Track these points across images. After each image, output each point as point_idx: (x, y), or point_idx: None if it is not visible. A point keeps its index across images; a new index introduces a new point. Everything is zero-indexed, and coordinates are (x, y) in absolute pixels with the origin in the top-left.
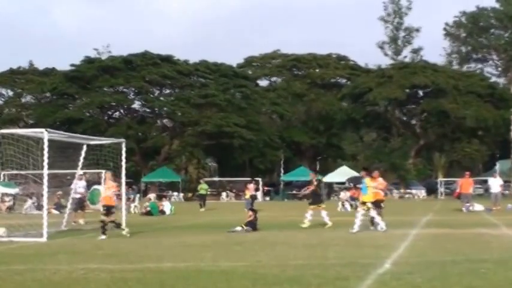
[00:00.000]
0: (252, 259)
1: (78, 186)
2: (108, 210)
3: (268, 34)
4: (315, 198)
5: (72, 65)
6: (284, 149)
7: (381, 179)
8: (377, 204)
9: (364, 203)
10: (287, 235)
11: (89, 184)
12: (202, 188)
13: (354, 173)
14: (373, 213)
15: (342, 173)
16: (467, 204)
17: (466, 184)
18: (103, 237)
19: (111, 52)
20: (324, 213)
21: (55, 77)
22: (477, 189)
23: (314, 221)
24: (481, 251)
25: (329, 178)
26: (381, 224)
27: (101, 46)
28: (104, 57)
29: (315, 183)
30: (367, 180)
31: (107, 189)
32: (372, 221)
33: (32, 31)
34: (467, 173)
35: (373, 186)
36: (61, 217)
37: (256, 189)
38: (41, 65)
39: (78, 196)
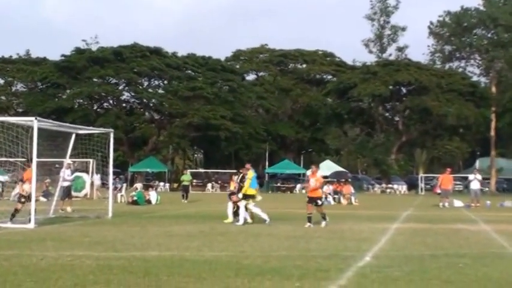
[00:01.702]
0: (235, 249)
1: (67, 175)
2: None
3: (256, 29)
4: None
5: (62, 56)
6: (269, 142)
7: (319, 175)
8: (314, 199)
9: (248, 196)
10: (271, 227)
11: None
12: (186, 179)
13: (337, 167)
14: (254, 206)
15: (326, 167)
16: (446, 199)
17: (446, 180)
18: None
19: (99, 43)
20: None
21: (46, 67)
22: (457, 185)
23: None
24: (459, 246)
25: None
26: (247, 217)
27: (89, 38)
28: (92, 48)
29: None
30: (249, 174)
31: None
32: (236, 212)
33: (24, 21)
34: (448, 169)
35: (312, 181)
36: (49, 205)
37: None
38: (32, 55)
39: (66, 184)
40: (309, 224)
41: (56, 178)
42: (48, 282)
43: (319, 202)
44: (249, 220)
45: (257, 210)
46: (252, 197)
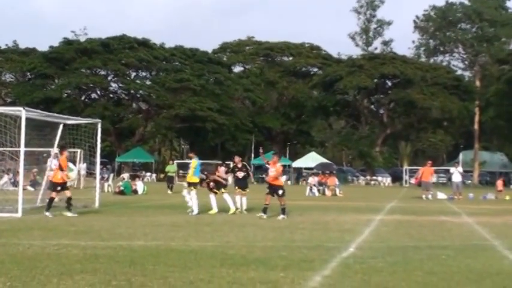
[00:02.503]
0: (221, 240)
1: (53, 164)
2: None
3: (242, 21)
4: None
5: (51, 46)
6: (255, 133)
7: (278, 165)
8: (275, 189)
9: (190, 184)
10: (256, 217)
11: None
12: (171, 169)
13: (323, 159)
14: (188, 193)
15: (311, 159)
16: (427, 192)
17: (426, 172)
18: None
19: (87, 34)
20: None
21: (34, 57)
22: (440, 178)
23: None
24: (442, 238)
25: (298, 163)
26: (230, 204)
27: (78, 29)
28: (81, 39)
29: None
30: (193, 162)
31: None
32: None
33: (13, 12)
34: (429, 161)
35: (272, 170)
36: (36, 194)
37: (227, 172)
38: (22, 45)
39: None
40: (262, 213)
41: (44, 168)
42: (35, 270)
43: (280, 192)
44: (234, 208)
45: (193, 198)
46: (195, 184)
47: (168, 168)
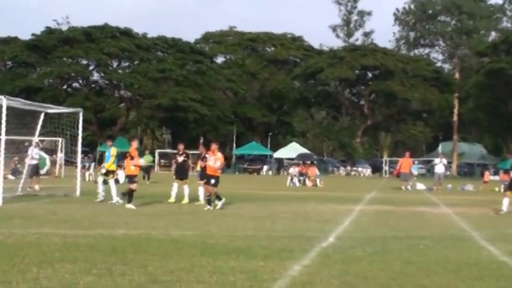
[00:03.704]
0: (202, 229)
1: (35, 153)
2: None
3: (225, 11)
4: None
5: (33, 35)
6: (237, 124)
7: (219, 154)
8: (208, 177)
9: (109, 172)
10: (237, 207)
11: (46, 152)
12: (146, 159)
13: (304, 150)
14: (102, 181)
15: (292, 150)
16: (406, 182)
17: (405, 163)
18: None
19: (69, 23)
20: None
21: (16, 46)
22: (420, 169)
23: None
24: (421, 228)
25: (279, 154)
26: (201, 197)
27: (60, 17)
28: (63, 28)
29: None
30: (113, 150)
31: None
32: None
33: None
34: (408, 153)
35: (211, 160)
36: (17, 183)
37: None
38: (3, 34)
39: (34, 162)
40: (208, 207)
41: (25, 156)
42: (15, 259)
43: (212, 181)
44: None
45: (112, 186)
46: (113, 172)
47: (143, 158)
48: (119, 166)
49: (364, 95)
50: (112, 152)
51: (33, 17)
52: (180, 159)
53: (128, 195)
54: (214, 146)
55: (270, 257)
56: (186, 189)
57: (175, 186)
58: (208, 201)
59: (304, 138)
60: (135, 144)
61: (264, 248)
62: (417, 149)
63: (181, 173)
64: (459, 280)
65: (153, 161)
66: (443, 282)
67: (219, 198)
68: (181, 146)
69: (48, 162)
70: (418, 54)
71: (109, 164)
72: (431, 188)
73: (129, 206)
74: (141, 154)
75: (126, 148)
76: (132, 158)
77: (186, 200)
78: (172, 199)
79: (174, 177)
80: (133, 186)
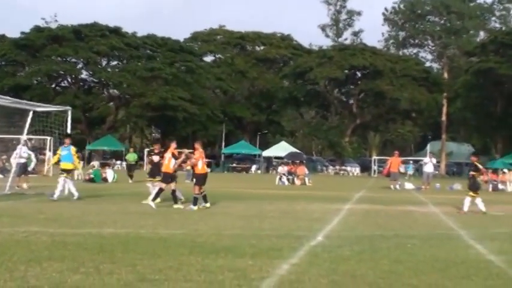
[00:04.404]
0: (190, 228)
1: (23, 152)
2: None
3: (214, 10)
4: None
5: (22, 33)
6: (226, 123)
7: (201, 151)
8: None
9: (64, 171)
10: (225, 206)
11: (34, 150)
12: (130, 158)
13: (293, 149)
14: (63, 180)
15: (281, 148)
16: (395, 182)
17: (394, 163)
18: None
19: (57, 21)
20: None
21: (4, 44)
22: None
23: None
24: (409, 227)
25: (268, 153)
26: (180, 196)
27: (49, 16)
28: (52, 26)
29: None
30: (72, 149)
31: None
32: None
33: None
34: (396, 152)
35: (194, 158)
36: (5, 181)
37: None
38: None
39: (22, 161)
40: (204, 204)
41: (13, 155)
42: (3, 257)
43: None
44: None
45: (70, 185)
46: (68, 171)
47: (128, 156)
48: (107, 165)
49: (353, 94)
50: (72, 151)
51: (22, 15)
52: (156, 158)
53: (173, 196)
54: (197, 144)
55: (259, 256)
56: (155, 189)
57: (150, 186)
58: (200, 199)
59: (293, 137)
60: (174, 144)
61: (253, 246)
62: (406, 148)
63: (155, 172)
64: (447, 279)
65: (138, 160)
66: (431, 281)
67: (195, 200)
68: (156, 146)
69: (33, 158)
70: (407, 54)
71: (65, 163)
72: (420, 187)
73: (151, 203)
74: (127, 152)
75: (115, 147)
76: (176, 158)
77: (149, 200)
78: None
79: (148, 176)
80: (163, 185)
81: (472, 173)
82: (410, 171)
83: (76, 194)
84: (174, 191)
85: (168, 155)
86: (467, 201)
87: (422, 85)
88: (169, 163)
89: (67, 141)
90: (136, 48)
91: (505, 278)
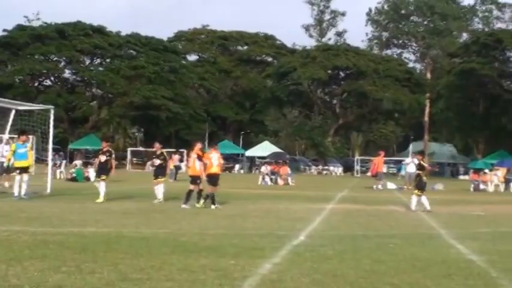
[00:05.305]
0: (173, 227)
1: (5, 150)
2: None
3: (198, 10)
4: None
5: (4, 31)
6: (209, 122)
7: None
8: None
9: (19, 169)
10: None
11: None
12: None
13: (276, 149)
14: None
15: (264, 148)
16: (380, 181)
17: (381, 163)
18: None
19: (40, 19)
20: None
21: None
22: (391, 168)
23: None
24: (390, 227)
25: (251, 152)
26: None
27: (31, 13)
28: (34, 24)
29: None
30: (28, 146)
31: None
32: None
33: None
34: (382, 152)
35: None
36: None
37: (181, 160)
38: None
39: (3, 160)
40: (215, 205)
41: None
42: None
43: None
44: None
45: (24, 184)
46: (23, 169)
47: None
48: (89, 164)
49: (336, 94)
50: (28, 148)
51: (4, 14)
52: (157, 162)
53: (187, 195)
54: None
55: (241, 255)
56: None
57: (101, 184)
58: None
59: (277, 137)
60: (199, 145)
61: (235, 246)
62: (388, 148)
63: (101, 171)
64: (428, 278)
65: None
66: (412, 281)
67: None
68: (157, 146)
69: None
70: (391, 54)
71: (29, 160)
72: (402, 187)
73: (184, 206)
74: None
75: (98, 146)
76: (200, 159)
77: (100, 199)
78: (101, 199)
79: (96, 175)
80: (192, 186)
81: (417, 171)
82: (403, 172)
83: (24, 193)
84: (190, 191)
85: (193, 156)
86: (414, 200)
87: (405, 85)
88: (194, 165)
89: (23, 138)
90: (119, 48)
91: (486, 277)
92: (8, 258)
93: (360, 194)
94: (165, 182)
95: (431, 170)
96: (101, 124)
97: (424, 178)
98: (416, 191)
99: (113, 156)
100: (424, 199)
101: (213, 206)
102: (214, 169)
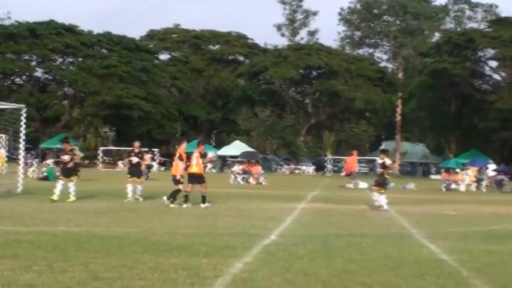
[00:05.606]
0: (144, 226)
1: None
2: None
3: (169, 9)
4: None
5: None
6: (181, 121)
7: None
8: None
9: None
10: (179, 204)
11: None
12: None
13: (247, 148)
14: None
15: (236, 147)
16: (353, 180)
17: (355, 162)
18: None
19: (10, 18)
20: None
21: None
22: (363, 168)
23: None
24: (362, 226)
25: (223, 152)
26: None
27: (1, 12)
28: (5, 23)
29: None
30: None
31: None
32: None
33: None
34: (355, 151)
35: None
36: None
37: (153, 159)
38: None
39: None
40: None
41: None
42: None
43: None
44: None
45: None
46: None
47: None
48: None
49: (309, 94)
50: None
51: None
52: (135, 161)
53: (174, 193)
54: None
55: (212, 254)
56: (72, 187)
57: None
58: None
59: (248, 136)
60: (184, 144)
61: (206, 245)
62: (360, 148)
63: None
64: (399, 277)
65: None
66: (384, 280)
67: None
68: (137, 144)
69: None
70: (363, 53)
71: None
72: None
73: (172, 205)
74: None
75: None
76: (182, 159)
77: (72, 198)
78: (55, 197)
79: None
80: (181, 186)
81: (380, 170)
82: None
83: None
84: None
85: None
86: (381, 198)
87: (377, 85)
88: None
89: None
90: (91, 47)
91: (457, 277)
92: None
93: (332, 193)
94: (142, 182)
95: (400, 169)
96: (73, 123)
97: (387, 176)
98: (377, 188)
99: (77, 153)
100: (382, 198)
101: (202, 205)
102: (194, 169)
